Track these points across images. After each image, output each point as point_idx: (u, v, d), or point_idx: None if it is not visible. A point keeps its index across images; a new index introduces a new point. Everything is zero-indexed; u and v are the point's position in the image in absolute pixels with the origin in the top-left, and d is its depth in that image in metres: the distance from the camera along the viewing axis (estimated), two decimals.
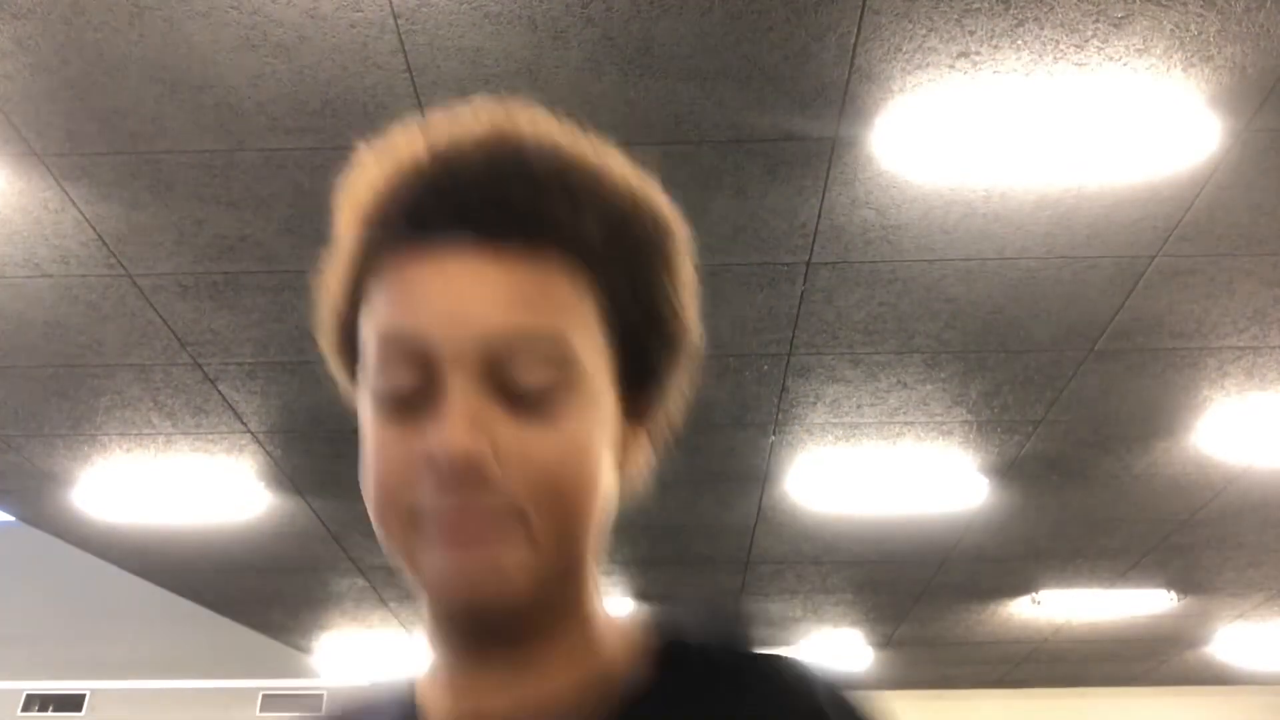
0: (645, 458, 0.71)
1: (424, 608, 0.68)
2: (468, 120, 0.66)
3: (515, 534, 0.60)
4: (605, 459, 0.65)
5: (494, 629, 0.64)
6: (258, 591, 6.08)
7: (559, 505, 0.61)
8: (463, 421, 0.59)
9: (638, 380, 0.67)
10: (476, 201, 0.62)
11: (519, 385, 0.60)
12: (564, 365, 0.61)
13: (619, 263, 0.65)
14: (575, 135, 0.67)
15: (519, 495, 0.60)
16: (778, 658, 0.68)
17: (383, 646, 7.10)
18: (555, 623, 0.66)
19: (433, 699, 0.69)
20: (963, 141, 2.54)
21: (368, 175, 0.67)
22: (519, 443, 0.60)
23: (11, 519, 5.05)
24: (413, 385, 0.61)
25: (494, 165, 0.62)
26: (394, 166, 0.65)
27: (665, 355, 0.68)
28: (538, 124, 0.66)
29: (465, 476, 0.59)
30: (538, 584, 0.61)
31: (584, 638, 0.67)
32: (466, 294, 0.61)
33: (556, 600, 0.65)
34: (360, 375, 0.65)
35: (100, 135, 2.54)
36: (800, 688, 0.66)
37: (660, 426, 0.71)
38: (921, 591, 6.09)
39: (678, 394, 0.71)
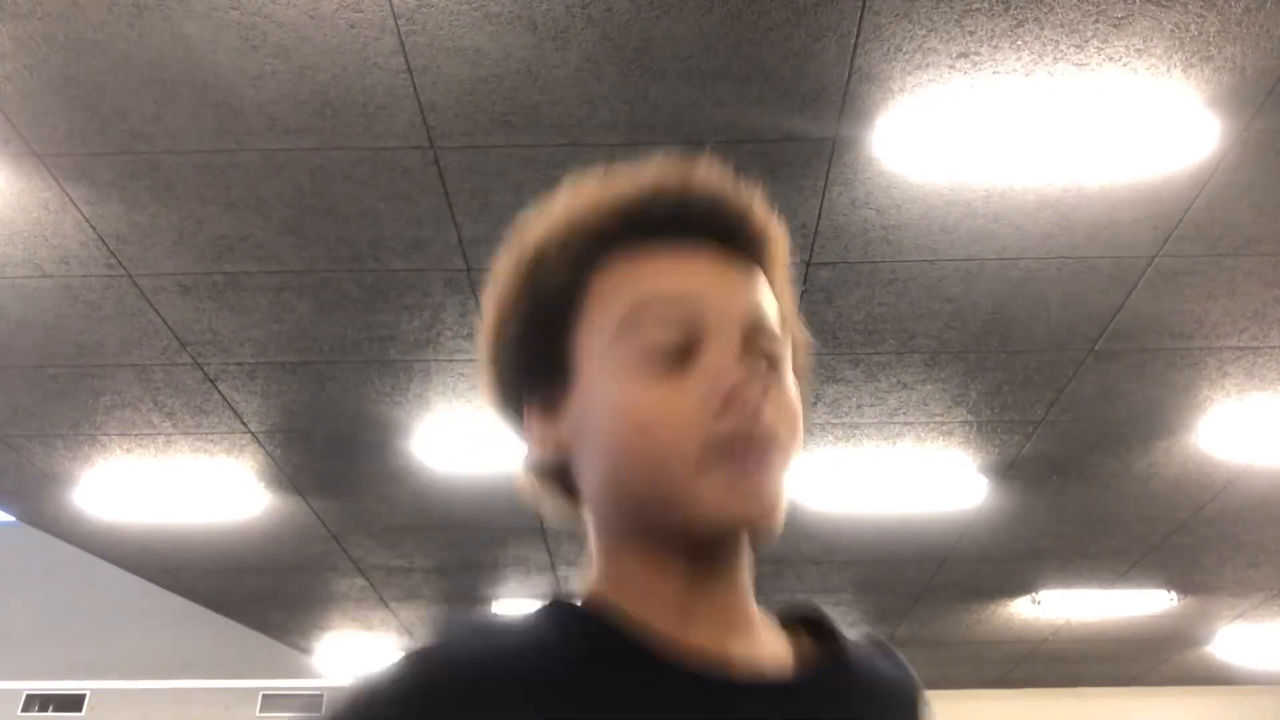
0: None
1: (646, 547, 0.74)
2: (658, 168, 0.79)
3: (778, 463, 0.71)
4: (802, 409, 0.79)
5: (734, 543, 0.74)
6: (258, 591, 6.08)
7: (794, 445, 0.74)
8: (750, 365, 0.72)
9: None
10: (707, 213, 0.76)
11: (764, 348, 0.74)
12: (783, 342, 0.77)
13: (781, 284, 0.81)
14: (748, 188, 0.81)
15: (778, 431, 0.71)
16: (881, 640, 0.86)
17: (383, 646, 7.10)
18: (747, 561, 0.78)
19: (647, 630, 0.72)
20: (963, 141, 2.54)
21: (577, 202, 0.78)
22: (774, 389, 0.73)
23: (11, 519, 5.06)
24: (677, 340, 0.72)
25: (722, 195, 0.77)
26: (618, 192, 0.77)
27: (798, 343, 0.83)
28: (710, 169, 0.80)
29: (756, 403, 0.70)
30: (782, 511, 0.73)
31: (750, 581, 0.79)
32: (728, 277, 0.75)
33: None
34: (601, 351, 0.73)
35: (100, 135, 2.54)
36: (901, 663, 0.85)
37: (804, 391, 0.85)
38: (921, 591, 6.09)
39: (805, 369, 0.84)
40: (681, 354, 0.72)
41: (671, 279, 0.74)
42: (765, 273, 0.78)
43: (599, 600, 0.75)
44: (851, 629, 0.82)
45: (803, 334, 0.83)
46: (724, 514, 0.70)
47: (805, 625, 0.82)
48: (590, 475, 0.75)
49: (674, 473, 0.70)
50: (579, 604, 0.75)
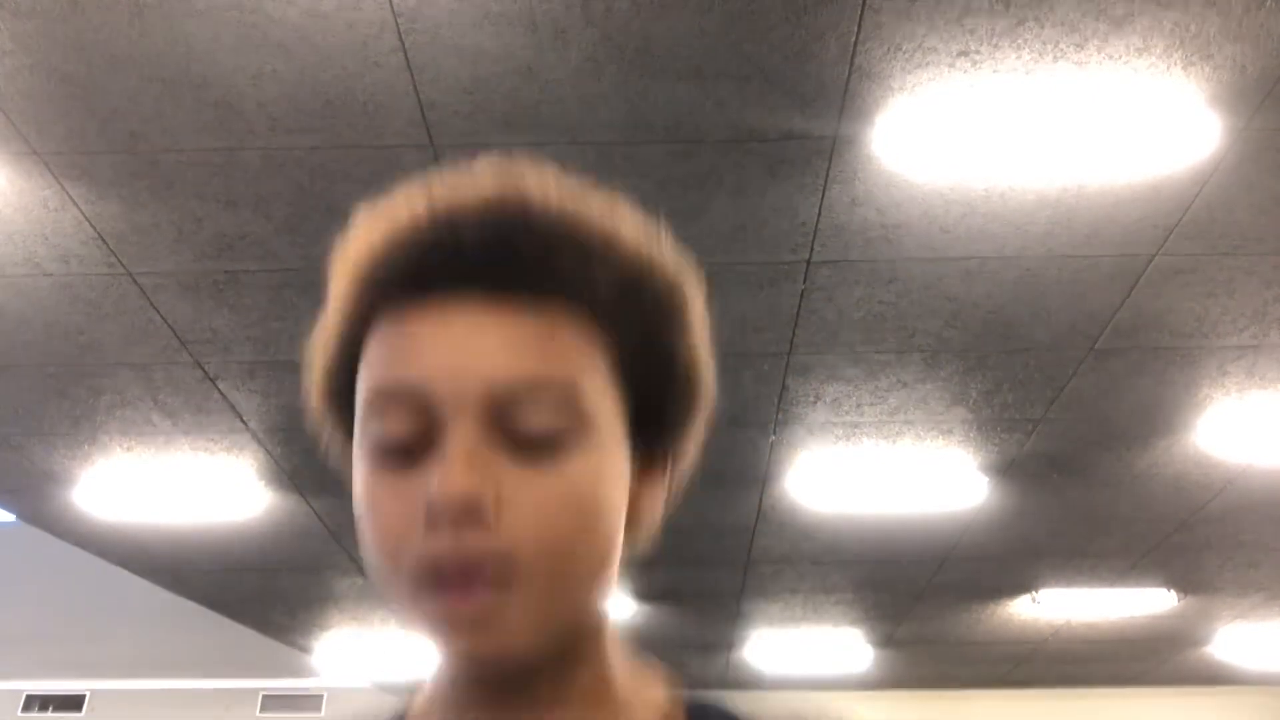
0: (658, 507, 0.70)
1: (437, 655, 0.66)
2: (472, 179, 0.65)
3: (516, 582, 0.58)
4: (613, 507, 0.63)
5: (502, 679, 0.63)
6: (258, 591, 6.08)
7: (562, 553, 0.59)
8: (462, 463, 0.57)
9: (652, 431, 0.67)
10: (480, 256, 0.61)
11: (523, 431, 0.59)
12: (571, 412, 0.60)
13: (630, 317, 0.64)
14: (584, 192, 0.66)
15: (521, 542, 0.58)
16: None
17: (383, 646, 7.10)
18: (567, 674, 0.65)
19: None
20: (963, 140, 2.54)
21: (366, 234, 0.66)
22: (521, 488, 0.59)
23: (11, 519, 5.06)
24: (411, 434, 0.60)
25: (499, 221, 0.62)
26: (393, 225, 0.64)
27: (679, 408, 0.68)
28: (545, 182, 0.65)
29: (465, 518, 0.57)
30: (541, 635, 0.60)
31: (600, 690, 0.66)
32: (469, 342, 0.60)
33: (566, 651, 0.64)
34: (356, 434, 0.63)
35: (100, 135, 2.54)
36: None
37: (675, 477, 0.71)
38: (921, 591, 6.09)
39: (691, 445, 0.70)
40: (417, 449, 0.60)
41: (408, 355, 0.60)
42: (588, 300, 0.62)
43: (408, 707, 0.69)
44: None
45: (690, 360, 0.67)
46: (445, 644, 0.59)
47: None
48: None
49: (401, 593, 0.60)
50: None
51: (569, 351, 0.61)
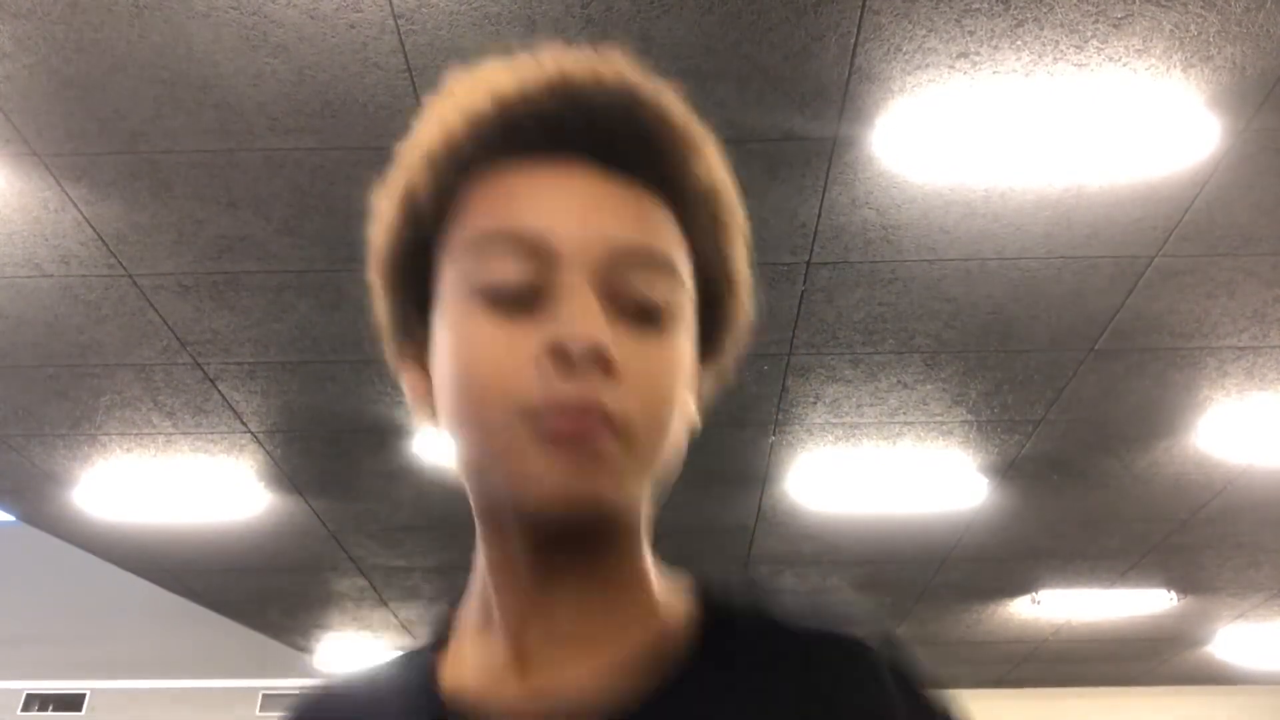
0: (705, 399, 0.71)
1: (493, 534, 0.65)
2: (576, 60, 0.66)
3: (621, 439, 0.59)
4: (690, 391, 0.66)
5: (581, 535, 0.62)
6: (258, 591, 6.08)
7: (658, 419, 0.61)
8: (595, 313, 0.59)
9: (708, 325, 0.69)
10: (599, 130, 0.63)
11: (632, 298, 0.61)
12: (673, 289, 0.63)
13: (704, 223, 0.67)
14: (673, 94, 0.68)
15: (629, 403, 0.59)
16: (850, 640, 0.65)
17: (383, 646, 7.10)
18: (614, 559, 0.65)
19: (467, 675, 0.66)
20: (962, 142, 2.54)
21: (467, 94, 0.66)
22: (631, 352, 0.60)
23: (11, 519, 5.05)
24: (525, 279, 0.60)
25: (618, 99, 0.63)
26: (503, 87, 0.64)
27: (732, 306, 0.70)
28: (644, 77, 0.67)
29: (594, 365, 0.58)
30: (634, 493, 0.62)
31: (637, 585, 0.67)
32: (594, 203, 0.62)
33: (630, 523, 0.65)
34: (451, 281, 0.63)
35: (100, 135, 2.54)
36: (870, 675, 0.64)
37: (722, 371, 0.72)
38: (921, 591, 6.09)
39: (731, 354, 0.72)
40: (528, 296, 0.60)
41: (528, 205, 0.61)
42: (675, 197, 0.65)
43: (450, 625, 0.69)
44: (825, 626, 0.66)
45: (742, 276, 0.70)
46: (550, 491, 0.58)
47: (738, 619, 0.67)
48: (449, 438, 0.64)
49: (500, 439, 0.59)
50: (425, 645, 0.70)
51: (671, 236, 0.64)
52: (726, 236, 0.68)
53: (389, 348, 0.70)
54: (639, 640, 0.65)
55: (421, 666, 0.69)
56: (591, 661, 0.63)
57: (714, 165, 0.68)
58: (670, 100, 0.66)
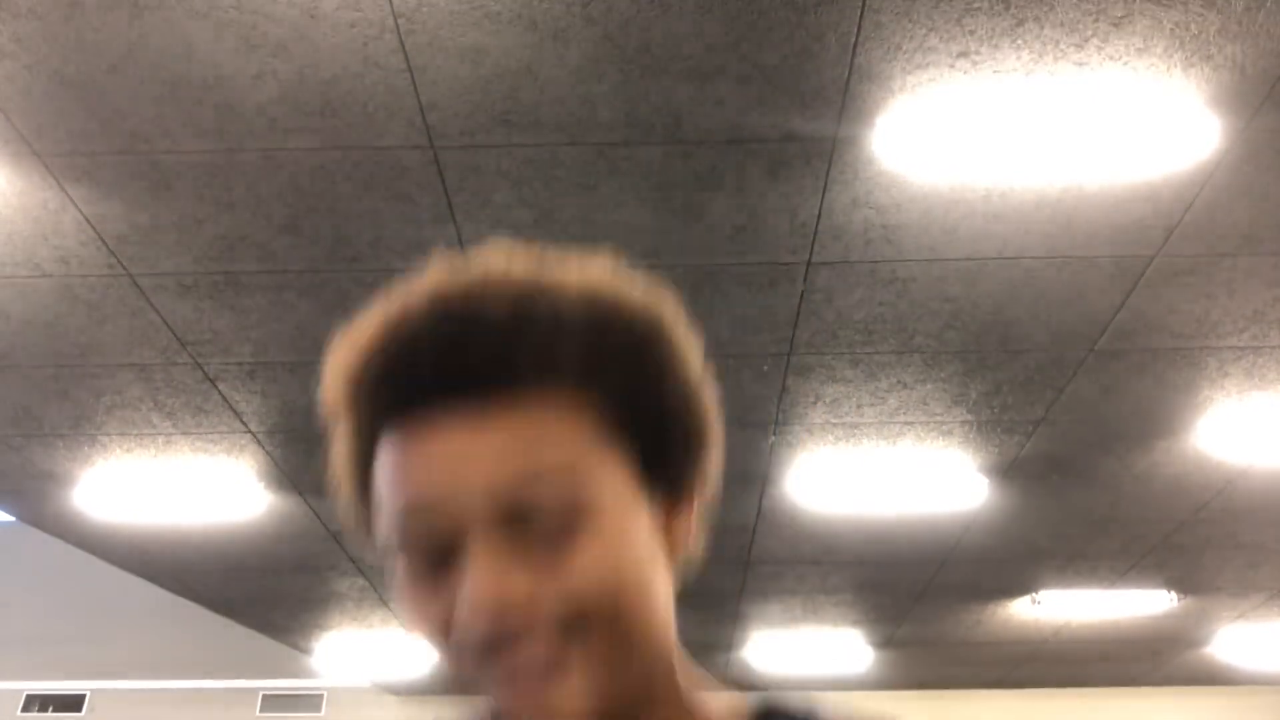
0: (692, 536, 0.72)
1: None
2: (423, 286, 0.67)
3: (577, 658, 0.61)
4: (648, 555, 0.65)
5: None
6: (258, 591, 6.08)
7: (613, 614, 0.62)
8: (488, 577, 0.60)
9: (666, 470, 0.68)
10: (436, 367, 0.63)
11: (538, 523, 0.61)
12: (577, 489, 0.62)
13: (609, 375, 0.65)
14: (536, 265, 0.67)
15: (570, 619, 0.61)
16: None
17: (383, 646, 7.10)
18: (656, 702, 0.67)
19: None
20: (963, 141, 2.54)
21: (344, 360, 0.68)
22: (556, 572, 0.61)
23: (11, 519, 5.05)
24: (437, 546, 0.63)
25: (445, 325, 0.63)
26: (360, 352, 0.67)
27: (685, 443, 0.69)
28: (491, 271, 0.66)
29: (506, 628, 0.60)
30: (614, 696, 0.62)
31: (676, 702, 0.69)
32: (461, 456, 0.62)
33: (644, 698, 0.66)
34: (388, 539, 0.66)
35: (100, 135, 2.54)
36: None
37: (701, 502, 0.72)
38: (921, 591, 6.09)
39: (710, 469, 0.72)
40: (447, 558, 0.63)
41: (412, 480, 0.63)
42: (574, 386, 0.64)
43: None
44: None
45: (701, 418, 0.69)
46: (518, 710, 0.63)
47: None
48: None
49: (469, 675, 0.64)
50: None
51: (558, 434, 0.63)
52: (645, 371, 0.67)
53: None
54: None
55: None
56: None
57: (596, 319, 0.65)
58: (522, 283, 0.65)
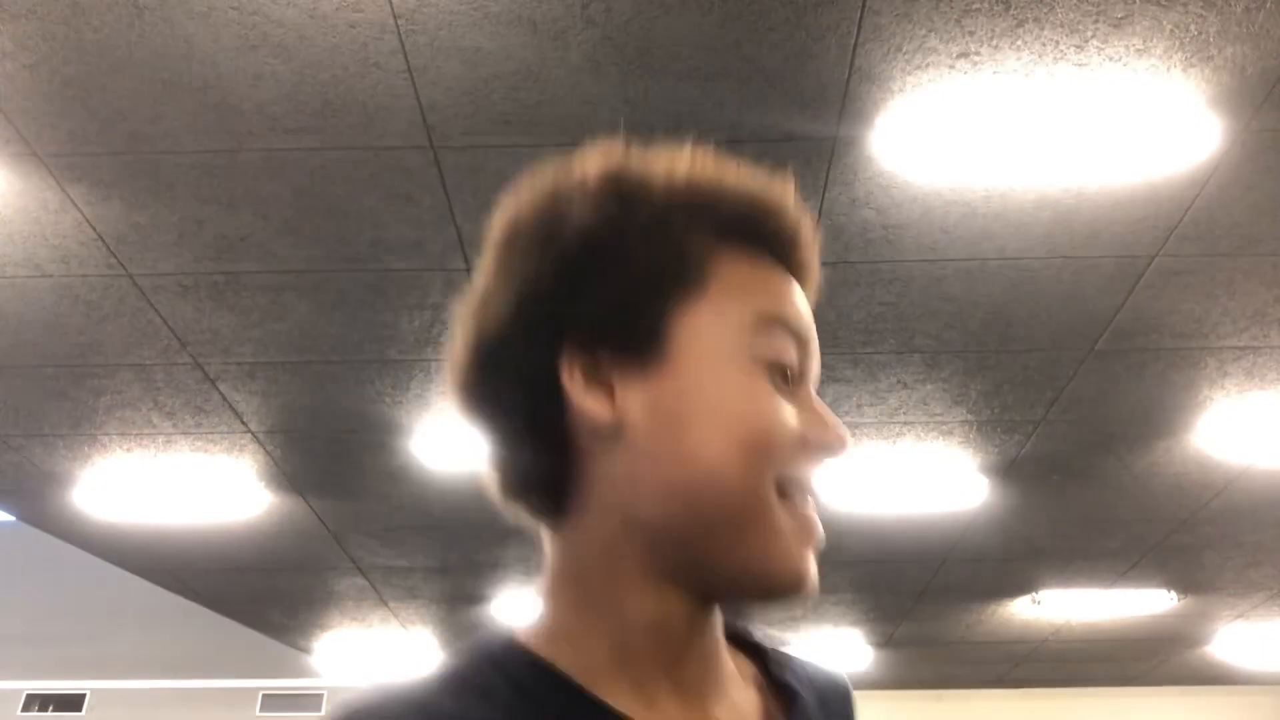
0: None
1: (668, 584, 0.66)
2: (769, 178, 0.74)
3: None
4: None
5: (700, 632, 0.69)
6: (258, 591, 6.08)
7: None
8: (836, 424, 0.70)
9: None
10: (811, 251, 0.75)
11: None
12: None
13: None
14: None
15: None
16: (842, 679, 0.83)
17: (383, 646, 7.10)
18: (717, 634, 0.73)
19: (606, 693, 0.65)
20: (963, 142, 2.54)
21: (719, 172, 0.71)
22: None
23: (11, 519, 5.06)
24: (794, 365, 0.69)
25: (809, 224, 0.75)
26: (768, 188, 0.72)
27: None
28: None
29: (838, 459, 0.70)
30: None
31: (722, 650, 0.74)
32: (807, 312, 0.74)
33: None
34: (732, 341, 0.67)
35: (100, 135, 2.54)
36: (828, 673, 0.81)
37: None
38: (921, 591, 6.09)
39: None
40: (790, 382, 0.69)
41: (796, 303, 0.72)
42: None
43: (548, 649, 0.66)
44: (776, 643, 0.79)
45: None
46: (796, 569, 0.67)
47: (744, 646, 0.78)
48: (638, 478, 0.64)
49: (766, 499, 0.65)
50: (524, 649, 0.66)
51: None
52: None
53: (513, 340, 0.67)
54: (747, 676, 0.74)
55: (534, 667, 0.66)
56: (736, 693, 0.71)
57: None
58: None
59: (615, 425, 0.65)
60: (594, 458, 0.66)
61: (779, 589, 0.66)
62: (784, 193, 0.72)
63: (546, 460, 0.67)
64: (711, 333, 0.66)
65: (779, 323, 0.69)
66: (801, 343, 0.70)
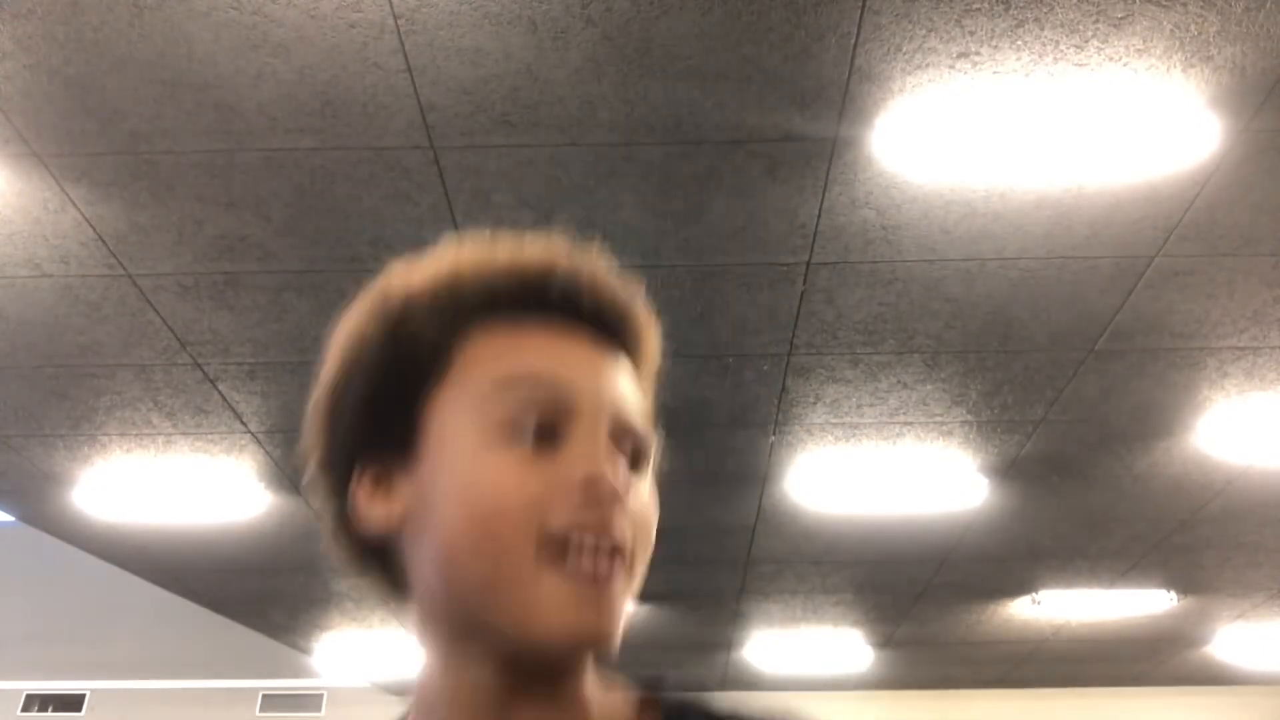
0: None
1: (462, 656, 0.69)
2: (550, 244, 0.75)
3: (624, 574, 0.67)
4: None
5: (564, 665, 0.68)
6: (258, 591, 6.08)
7: (647, 552, 0.69)
8: (610, 456, 0.67)
9: None
10: (603, 305, 0.73)
11: (628, 448, 0.70)
12: (650, 439, 0.72)
13: (647, 378, 0.77)
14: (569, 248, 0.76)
15: (629, 538, 0.67)
16: None
17: (383, 646, 7.10)
18: (580, 671, 0.71)
19: None
20: (963, 142, 2.54)
21: (477, 255, 0.73)
22: (631, 492, 0.68)
23: (11, 519, 5.05)
24: (545, 421, 0.67)
25: (606, 283, 0.74)
26: (527, 257, 0.73)
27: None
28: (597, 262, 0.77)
29: (615, 506, 0.65)
30: (622, 624, 0.67)
31: (584, 696, 0.71)
32: (604, 368, 0.71)
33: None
34: (466, 416, 0.68)
35: (100, 135, 2.54)
36: None
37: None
38: (921, 591, 6.09)
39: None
40: (545, 437, 0.67)
41: (547, 357, 0.69)
42: (636, 370, 0.75)
43: (418, 712, 0.71)
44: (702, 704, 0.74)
45: (656, 439, 0.78)
46: (561, 625, 0.64)
47: (658, 706, 0.74)
48: (423, 559, 0.69)
49: (514, 563, 0.64)
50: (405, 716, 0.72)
51: (643, 393, 0.75)
52: (652, 398, 0.78)
53: (324, 462, 0.74)
54: None
55: None
56: None
57: (657, 346, 0.78)
58: (636, 293, 0.76)
59: (400, 520, 0.70)
60: (404, 543, 0.71)
61: (549, 648, 0.65)
62: (546, 254, 0.73)
63: (360, 557, 0.75)
64: (452, 413, 0.69)
65: (521, 380, 0.68)
66: (554, 396, 0.68)
